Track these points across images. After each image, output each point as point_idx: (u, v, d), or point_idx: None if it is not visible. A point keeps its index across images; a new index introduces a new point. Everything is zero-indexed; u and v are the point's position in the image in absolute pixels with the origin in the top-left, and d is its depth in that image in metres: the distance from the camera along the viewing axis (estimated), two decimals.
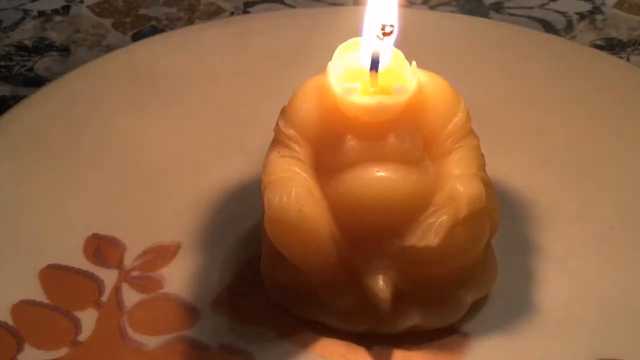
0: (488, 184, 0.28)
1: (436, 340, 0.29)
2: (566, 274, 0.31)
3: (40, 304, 0.30)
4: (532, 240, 0.32)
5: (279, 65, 0.40)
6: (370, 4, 0.28)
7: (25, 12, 0.49)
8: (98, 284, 0.30)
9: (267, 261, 0.29)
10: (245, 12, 0.49)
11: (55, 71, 0.44)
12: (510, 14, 0.48)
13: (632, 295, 0.30)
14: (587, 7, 0.49)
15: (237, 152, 0.35)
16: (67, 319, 0.29)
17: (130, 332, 0.29)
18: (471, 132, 0.28)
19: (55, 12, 0.49)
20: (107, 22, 0.48)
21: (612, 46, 0.46)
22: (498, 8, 0.49)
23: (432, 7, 0.49)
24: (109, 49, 0.45)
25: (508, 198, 0.33)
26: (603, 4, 0.49)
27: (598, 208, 0.33)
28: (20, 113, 0.37)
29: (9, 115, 0.37)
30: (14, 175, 0.34)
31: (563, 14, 0.48)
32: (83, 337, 0.29)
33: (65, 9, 0.49)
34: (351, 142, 0.27)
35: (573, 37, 0.46)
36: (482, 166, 0.28)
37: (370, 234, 0.27)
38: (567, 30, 0.47)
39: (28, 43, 0.46)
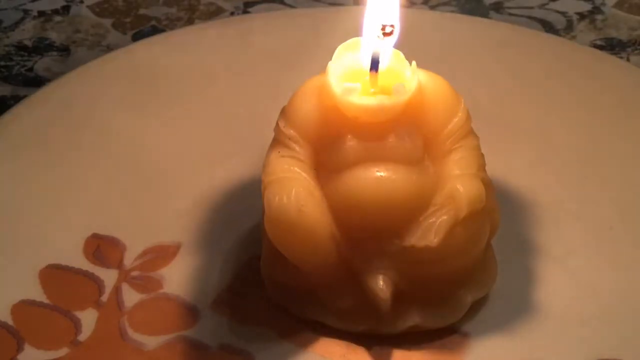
0: (488, 184, 0.28)
1: (436, 340, 0.29)
2: (566, 274, 0.31)
3: (40, 304, 0.30)
4: (532, 240, 0.32)
5: (279, 65, 0.40)
6: (371, 4, 0.28)
7: (25, 12, 0.49)
8: (98, 284, 0.30)
9: (267, 261, 0.29)
10: (245, 12, 0.49)
11: (55, 71, 0.44)
12: (510, 14, 0.48)
13: (632, 295, 0.30)
14: (587, 7, 0.49)
15: (237, 152, 0.35)
16: (67, 319, 0.29)
17: (130, 332, 0.29)
18: (471, 132, 0.28)
19: (55, 12, 0.49)
20: (107, 22, 0.48)
21: (612, 46, 0.46)
22: (498, 8, 0.49)
23: (432, 7, 0.49)
24: (109, 49, 0.45)
25: (508, 198, 0.33)
26: (603, 4, 0.49)
27: (598, 208, 0.33)
28: (20, 113, 0.37)
29: (9, 115, 0.37)
30: (14, 175, 0.34)
31: (563, 14, 0.48)
32: (83, 337, 0.29)
33: (65, 9, 0.49)
34: (351, 142, 0.27)
35: (573, 37, 0.46)
36: (482, 166, 0.28)
37: (370, 234, 0.27)
38: (567, 30, 0.47)
39: (28, 43, 0.46)
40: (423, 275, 0.28)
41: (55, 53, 0.45)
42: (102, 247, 0.32)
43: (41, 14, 0.48)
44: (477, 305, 0.29)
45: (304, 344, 0.28)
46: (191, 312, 0.29)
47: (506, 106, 0.38)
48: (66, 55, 0.45)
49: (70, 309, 0.29)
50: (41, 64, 0.44)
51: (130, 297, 0.30)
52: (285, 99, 0.28)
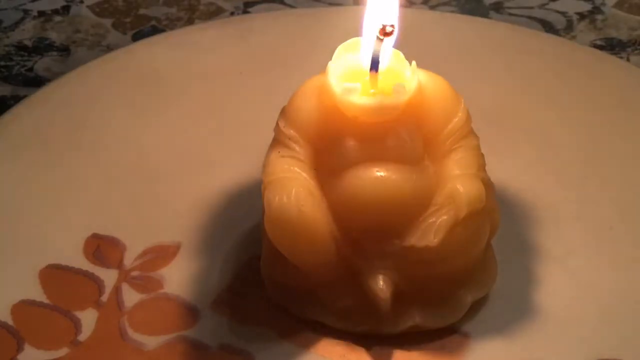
0: (488, 184, 0.28)
1: (436, 340, 0.29)
2: (566, 274, 0.31)
3: (40, 304, 0.30)
4: (532, 240, 0.32)
5: (279, 65, 0.40)
6: (371, 4, 0.28)
7: (25, 12, 0.49)
8: (98, 284, 0.30)
9: (267, 261, 0.29)
10: (245, 12, 0.49)
11: (55, 71, 0.44)
12: (510, 14, 0.48)
13: (632, 295, 0.30)
14: (587, 7, 0.49)
15: (237, 152, 0.35)
16: (67, 319, 0.29)
17: (130, 332, 0.29)
18: (471, 132, 0.28)
19: (55, 12, 0.49)
20: (107, 22, 0.48)
21: (612, 46, 0.46)
22: (498, 8, 0.49)
23: (432, 7, 0.49)
24: (109, 49, 0.45)
25: (508, 198, 0.33)
26: (603, 4, 0.49)
27: (598, 208, 0.33)
28: (20, 113, 0.37)
29: (9, 115, 0.37)
30: (14, 175, 0.34)
31: (563, 14, 0.48)
32: (83, 337, 0.29)
33: (65, 9, 0.49)
34: (351, 142, 0.27)
35: (573, 37, 0.46)
36: (482, 166, 0.28)
37: (370, 234, 0.27)
38: (567, 30, 0.47)
39: (28, 43, 0.46)
40: (423, 275, 0.28)
41: (55, 53, 0.45)
42: (102, 247, 0.32)
43: (41, 14, 0.48)
44: (477, 305, 0.29)
45: (304, 344, 0.28)
46: (191, 312, 0.29)
47: (506, 106, 0.38)
48: (66, 55, 0.45)
49: (70, 309, 0.29)
50: (41, 64, 0.44)
51: (130, 297, 0.30)
52: (285, 99, 0.28)
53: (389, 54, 0.28)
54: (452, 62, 0.38)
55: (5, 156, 0.35)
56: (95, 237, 0.32)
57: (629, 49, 0.45)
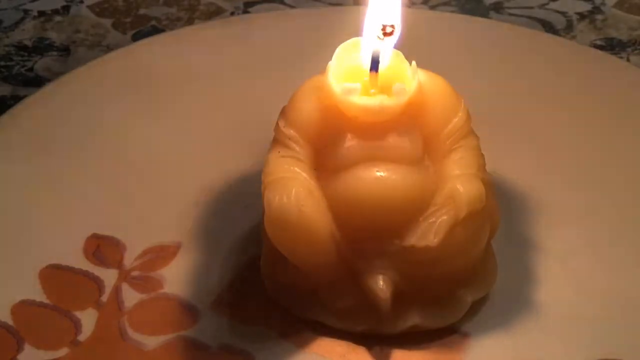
0: (488, 184, 0.28)
1: (436, 340, 0.29)
2: (566, 274, 0.31)
3: (40, 304, 0.30)
4: (532, 240, 0.32)
5: (279, 65, 0.40)
6: (371, 4, 0.28)
7: (25, 12, 0.49)
8: (98, 284, 0.30)
9: (267, 261, 0.29)
10: (245, 12, 0.49)
11: (55, 71, 0.44)
12: (510, 14, 0.48)
13: (632, 295, 0.30)
14: (587, 7, 0.49)
15: (237, 152, 0.35)
16: (67, 319, 0.29)
17: (130, 332, 0.29)
18: (471, 132, 0.28)
19: (55, 12, 0.49)
20: (107, 22, 0.48)
21: (612, 46, 0.46)
22: (498, 8, 0.49)
23: (432, 7, 0.49)
24: (109, 49, 0.45)
25: (508, 198, 0.33)
26: (603, 4, 0.49)
27: (598, 208, 0.33)
28: (20, 113, 0.37)
29: (9, 115, 0.37)
30: (14, 175, 0.34)
31: (563, 14, 0.48)
32: (83, 337, 0.29)
33: (65, 9, 0.49)
34: (351, 142, 0.27)
35: (573, 37, 0.46)
36: (482, 166, 0.28)
37: (370, 234, 0.27)
38: (567, 30, 0.47)
39: (28, 43, 0.46)
40: (423, 275, 0.28)
41: (55, 53, 0.45)
42: (102, 247, 0.32)
43: (41, 14, 0.48)
44: (477, 305, 0.29)
45: (304, 344, 0.28)
46: (191, 312, 0.29)
47: (506, 106, 0.38)
48: (66, 55, 0.45)
49: (70, 309, 0.29)
50: (41, 64, 0.44)
51: (130, 297, 0.30)
52: (285, 99, 0.28)
53: (389, 54, 0.28)
54: (452, 62, 0.38)
55: (5, 156, 0.35)
56: (95, 237, 0.32)
57: (629, 49, 0.45)
